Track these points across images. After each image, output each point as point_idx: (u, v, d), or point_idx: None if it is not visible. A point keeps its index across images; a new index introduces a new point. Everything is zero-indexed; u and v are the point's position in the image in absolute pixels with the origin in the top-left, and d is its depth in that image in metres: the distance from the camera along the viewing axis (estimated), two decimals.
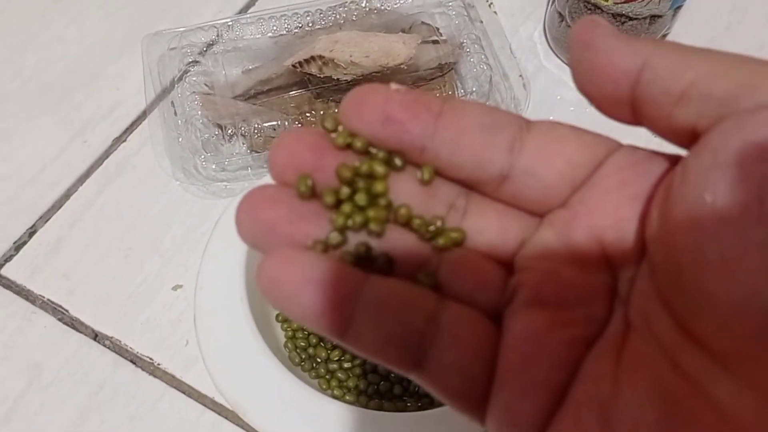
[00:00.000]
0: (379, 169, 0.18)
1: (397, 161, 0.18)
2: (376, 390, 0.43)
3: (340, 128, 0.18)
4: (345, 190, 0.18)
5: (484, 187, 0.19)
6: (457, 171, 0.18)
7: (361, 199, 0.18)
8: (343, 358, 0.44)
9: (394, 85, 0.18)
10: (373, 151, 0.18)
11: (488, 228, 0.19)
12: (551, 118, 0.54)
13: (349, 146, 0.18)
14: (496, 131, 0.18)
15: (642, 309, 0.17)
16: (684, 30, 0.56)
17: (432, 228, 0.18)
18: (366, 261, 0.18)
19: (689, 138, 0.16)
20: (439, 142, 0.18)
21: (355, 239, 0.18)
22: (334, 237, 0.18)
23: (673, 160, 0.17)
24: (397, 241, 0.18)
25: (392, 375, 0.43)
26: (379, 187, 0.18)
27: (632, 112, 0.17)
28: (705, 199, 0.15)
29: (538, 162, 0.18)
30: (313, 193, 0.18)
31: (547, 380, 0.17)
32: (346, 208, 0.18)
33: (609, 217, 0.18)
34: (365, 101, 0.18)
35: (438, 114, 0.18)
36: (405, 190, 0.18)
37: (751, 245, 0.14)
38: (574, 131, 0.18)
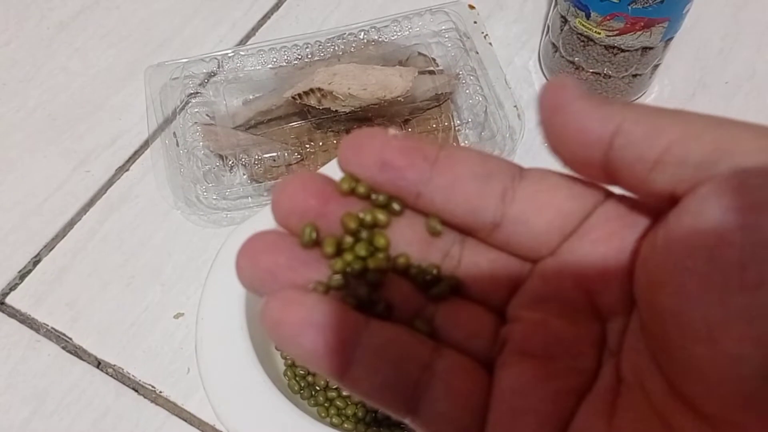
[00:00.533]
0: (382, 218, 0.19)
1: (396, 206, 0.19)
2: (374, 418, 0.44)
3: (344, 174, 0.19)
4: (347, 240, 0.18)
5: (477, 233, 0.19)
6: (450, 217, 0.19)
7: (361, 250, 0.18)
8: None
9: (391, 131, 0.18)
10: (374, 196, 0.19)
11: (481, 277, 0.19)
12: (546, 146, 0.55)
13: (352, 191, 0.19)
14: (489, 180, 0.18)
15: (634, 365, 0.17)
16: (675, 60, 0.57)
17: (428, 277, 0.19)
18: (367, 305, 0.18)
19: (668, 201, 0.16)
20: (434, 189, 0.18)
21: (355, 283, 0.19)
22: (336, 280, 0.18)
23: (659, 212, 0.18)
24: (396, 287, 0.19)
25: None
26: (381, 241, 0.19)
27: (606, 175, 0.17)
28: (686, 265, 0.15)
29: (528, 211, 0.18)
30: (315, 242, 0.18)
31: None
32: (348, 256, 0.18)
33: (596, 268, 0.18)
34: (363, 146, 0.18)
35: (434, 161, 0.18)
36: (404, 237, 0.19)
37: (734, 313, 0.14)
38: (566, 180, 0.19)
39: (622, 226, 0.18)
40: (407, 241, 0.19)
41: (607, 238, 0.18)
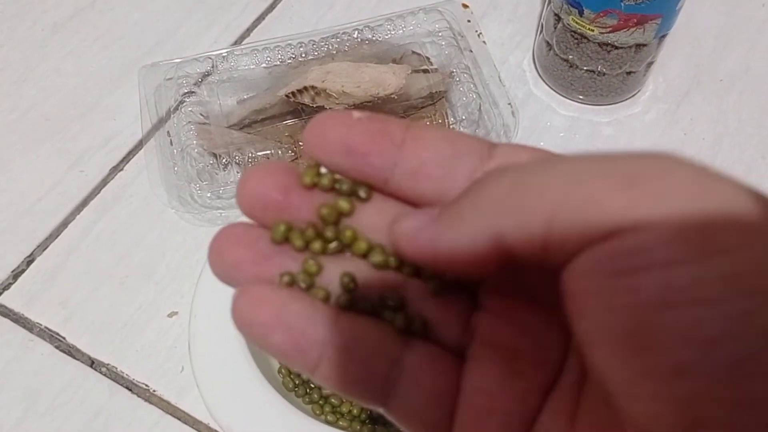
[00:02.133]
0: (345, 206, 0.18)
1: (362, 193, 0.18)
2: (370, 415, 0.43)
3: (307, 166, 0.18)
4: (309, 233, 0.18)
5: None
6: (420, 201, 0.18)
7: (330, 234, 0.18)
8: None
9: (356, 113, 0.18)
10: (338, 185, 0.18)
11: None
12: (541, 144, 0.56)
13: (314, 185, 0.18)
14: (457, 161, 0.18)
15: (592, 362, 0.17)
16: (670, 57, 0.57)
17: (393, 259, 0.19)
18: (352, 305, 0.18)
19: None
20: (400, 174, 0.18)
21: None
22: (303, 276, 0.18)
23: None
24: (363, 270, 0.19)
25: None
26: (347, 234, 0.18)
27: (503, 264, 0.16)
28: (584, 327, 0.15)
29: None
30: (286, 238, 0.18)
31: None
32: (316, 245, 0.18)
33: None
34: (327, 131, 0.18)
35: (400, 144, 0.18)
36: (372, 222, 0.19)
37: (639, 375, 0.14)
38: (536, 155, 0.18)
39: None
40: (375, 226, 0.19)
41: None
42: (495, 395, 0.17)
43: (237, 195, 0.18)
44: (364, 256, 0.18)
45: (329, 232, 0.18)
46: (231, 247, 0.18)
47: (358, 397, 0.18)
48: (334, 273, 0.18)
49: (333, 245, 0.18)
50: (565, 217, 0.15)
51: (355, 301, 0.18)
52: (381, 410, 0.18)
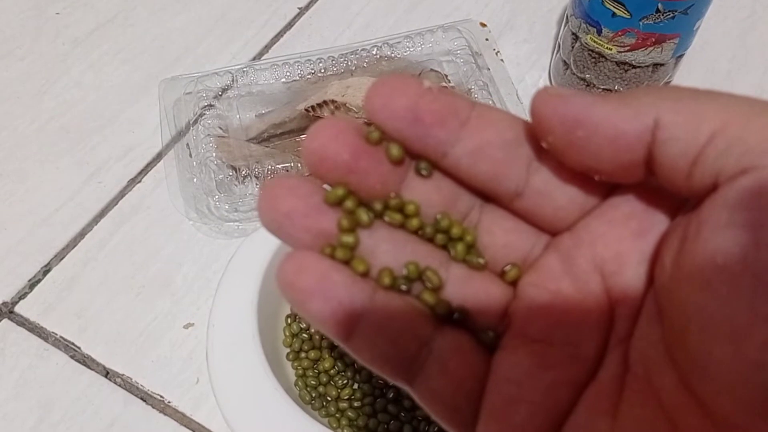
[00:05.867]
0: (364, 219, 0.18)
1: (424, 170, 0.18)
2: (386, 429, 0.43)
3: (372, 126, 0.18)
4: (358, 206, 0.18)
5: (498, 200, 0.19)
6: (474, 181, 0.18)
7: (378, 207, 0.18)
8: (353, 396, 0.44)
9: (427, 82, 0.18)
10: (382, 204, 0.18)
11: (494, 247, 0.19)
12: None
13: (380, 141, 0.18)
14: (518, 147, 0.18)
15: (644, 356, 0.16)
16: (685, 78, 0.57)
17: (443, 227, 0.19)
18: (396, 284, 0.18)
19: (708, 191, 0.15)
20: (460, 151, 0.18)
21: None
22: (342, 251, 0.18)
23: (681, 201, 0.17)
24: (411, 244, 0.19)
25: (402, 414, 0.43)
26: (409, 207, 0.18)
27: (647, 172, 0.16)
28: (716, 262, 0.14)
29: (552, 183, 0.18)
30: (339, 202, 0.18)
31: (525, 426, 0.17)
32: (363, 217, 0.18)
33: (610, 249, 0.18)
34: (395, 96, 0.17)
35: (465, 121, 0.18)
36: (430, 199, 0.19)
37: (761, 317, 0.13)
38: None
39: (642, 209, 0.17)
40: (432, 203, 0.19)
41: (624, 220, 0.18)
42: (523, 385, 0.17)
43: (305, 150, 0.18)
44: (416, 232, 0.19)
45: (379, 205, 0.18)
46: (285, 195, 0.18)
47: (385, 373, 0.18)
48: (380, 243, 0.18)
49: (387, 217, 0.18)
50: (736, 131, 0.14)
51: (394, 280, 0.18)
52: (407, 388, 0.18)
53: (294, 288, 0.17)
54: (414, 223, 0.19)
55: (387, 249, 0.18)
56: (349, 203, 0.18)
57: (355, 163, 0.18)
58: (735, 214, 0.14)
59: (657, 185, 0.17)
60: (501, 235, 0.19)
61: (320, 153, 0.18)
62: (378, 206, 0.18)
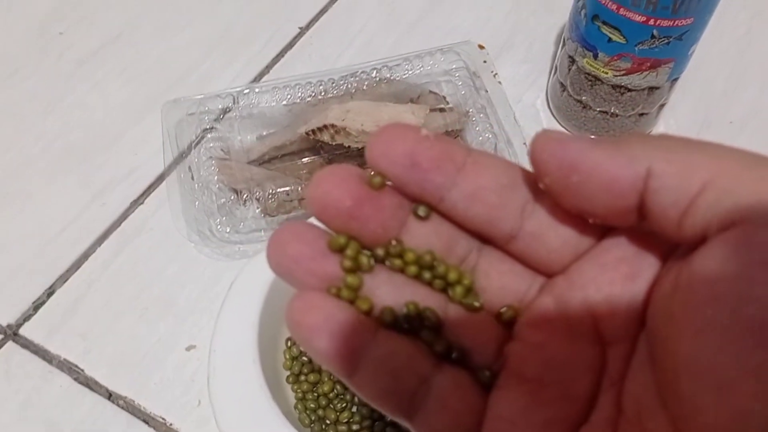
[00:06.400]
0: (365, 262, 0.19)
1: (422, 212, 0.19)
2: None
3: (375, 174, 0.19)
4: (360, 251, 0.19)
5: (493, 242, 0.20)
6: (470, 224, 0.19)
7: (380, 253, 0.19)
8: (352, 419, 0.44)
9: (424, 131, 0.19)
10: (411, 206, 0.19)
11: (491, 289, 0.20)
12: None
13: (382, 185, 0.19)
14: (512, 191, 0.19)
15: (637, 399, 0.17)
16: (680, 99, 0.58)
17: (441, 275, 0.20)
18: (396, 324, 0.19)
19: (698, 241, 0.16)
20: (457, 195, 0.19)
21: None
22: (347, 292, 0.19)
23: (672, 246, 0.18)
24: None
25: None
26: (408, 256, 0.19)
27: (639, 218, 0.17)
28: (707, 314, 0.15)
29: (545, 226, 0.19)
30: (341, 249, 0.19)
31: None
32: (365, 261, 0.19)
33: (601, 292, 0.18)
34: (394, 143, 0.18)
35: (461, 166, 0.18)
36: (428, 242, 0.19)
37: (748, 369, 0.14)
38: None
39: (633, 254, 0.18)
40: (432, 247, 0.19)
41: (616, 263, 0.18)
42: (517, 424, 0.18)
43: (310, 197, 0.19)
44: (416, 276, 0.19)
45: (381, 251, 0.19)
46: (293, 241, 0.19)
47: (386, 408, 0.19)
48: (381, 285, 0.19)
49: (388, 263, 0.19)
50: (727, 184, 0.15)
51: (395, 318, 0.19)
52: (406, 424, 0.19)
53: (301, 326, 0.18)
54: (412, 270, 0.19)
55: (388, 290, 0.19)
56: (350, 251, 0.19)
57: (358, 209, 0.19)
58: (725, 267, 0.15)
59: (649, 229, 0.17)
60: (497, 278, 0.20)
61: (324, 200, 0.19)
62: (380, 252, 0.19)
